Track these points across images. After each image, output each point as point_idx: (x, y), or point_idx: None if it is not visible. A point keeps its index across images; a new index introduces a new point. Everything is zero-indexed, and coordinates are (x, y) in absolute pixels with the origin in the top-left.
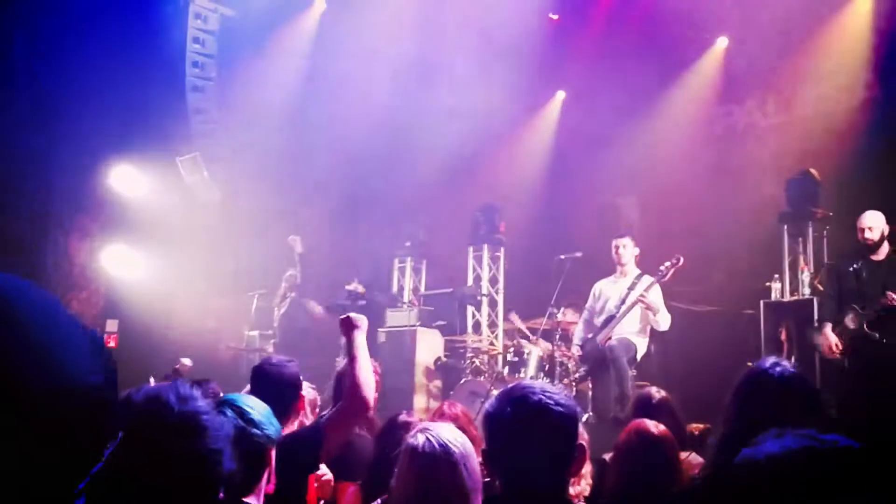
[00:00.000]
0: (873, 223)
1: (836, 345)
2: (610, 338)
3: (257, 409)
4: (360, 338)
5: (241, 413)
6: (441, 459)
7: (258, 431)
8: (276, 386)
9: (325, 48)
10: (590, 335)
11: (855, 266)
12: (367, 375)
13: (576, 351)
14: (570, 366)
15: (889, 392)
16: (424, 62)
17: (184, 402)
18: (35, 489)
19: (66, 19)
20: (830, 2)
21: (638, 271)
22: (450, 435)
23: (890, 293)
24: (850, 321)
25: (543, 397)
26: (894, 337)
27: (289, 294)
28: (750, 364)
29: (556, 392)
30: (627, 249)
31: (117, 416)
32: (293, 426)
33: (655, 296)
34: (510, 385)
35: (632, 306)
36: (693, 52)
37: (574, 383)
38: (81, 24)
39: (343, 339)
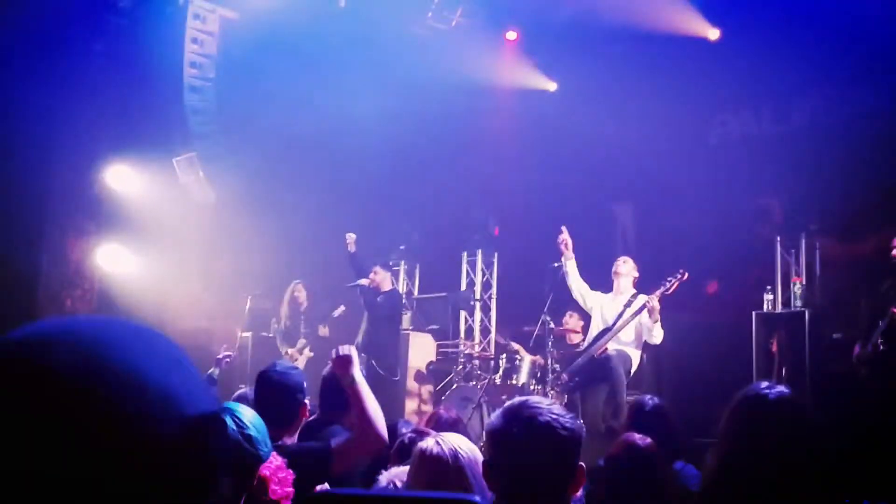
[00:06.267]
0: None
1: (860, 356)
2: (606, 349)
3: (256, 425)
4: (358, 374)
5: (240, 427)
6: (449, 464)
7: (252, 449)
8: (280, 393)
9: (325, 51)
10: (584, 346)
11: (887, 285)
12: (376, 411)
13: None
14: (563, 375)
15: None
16: (418, 65)
17: None
18: None
19: (64, 17)
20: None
21: (634, 290)
22: (459, 441)
23: (894, 309)
24: (875, 336)
25: (551, 418)
26: None
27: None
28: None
29: (563, 413)
30: (628, 264)
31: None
32: (295, 434)
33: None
34: (516, 401)
35: (639, 310)
36: (689, 58)
37: (565, 393)
38: (80, 22)
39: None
